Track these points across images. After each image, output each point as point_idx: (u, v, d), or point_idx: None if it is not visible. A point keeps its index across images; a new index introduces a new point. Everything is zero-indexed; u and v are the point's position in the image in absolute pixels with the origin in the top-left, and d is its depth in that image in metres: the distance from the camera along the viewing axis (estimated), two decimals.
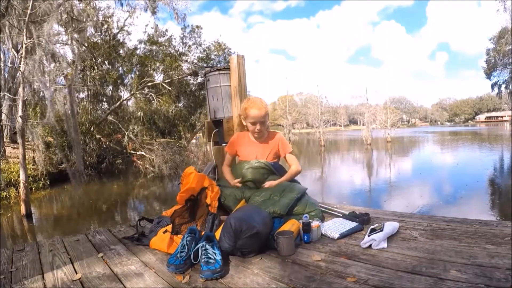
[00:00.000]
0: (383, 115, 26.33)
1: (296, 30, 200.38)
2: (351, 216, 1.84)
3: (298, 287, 1.13)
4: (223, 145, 2.67)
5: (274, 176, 2.09)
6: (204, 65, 12.99)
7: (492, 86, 27.63)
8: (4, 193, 7.89)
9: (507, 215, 5.21)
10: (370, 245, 1.43)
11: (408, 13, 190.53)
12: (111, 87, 13.30)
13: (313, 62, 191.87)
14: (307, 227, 1.56)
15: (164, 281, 1.25)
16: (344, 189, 8.49)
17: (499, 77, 26.56)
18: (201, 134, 16.27)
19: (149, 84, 12.59)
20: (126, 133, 12.00)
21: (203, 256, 1.31)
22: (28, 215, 6.44)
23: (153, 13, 12.37)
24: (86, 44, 11.50)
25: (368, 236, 1.47)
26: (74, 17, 9.20)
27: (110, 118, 12.44)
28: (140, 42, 13.54)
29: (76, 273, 1.37)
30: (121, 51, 13.11)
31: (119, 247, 1.69)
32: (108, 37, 12.71)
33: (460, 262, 1.18)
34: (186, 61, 13.85)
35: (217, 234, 1.51)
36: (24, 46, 6.90)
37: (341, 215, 1.93)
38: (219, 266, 1.26)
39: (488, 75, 26.93)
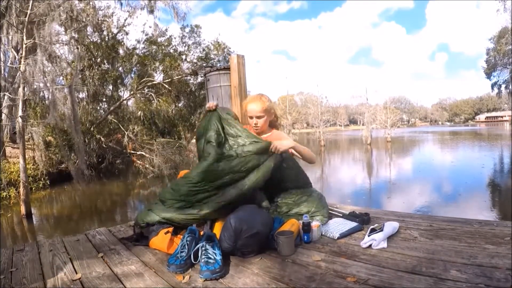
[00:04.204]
0: (383, 115, 26.34)
1: (298, 31, 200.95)
2: (351, 216, 1.84)
3: (298, 287, 1.13)
4: None
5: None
6: (204, 64, 12.97)
7: (492, 86, 27.61)
8: (4, 193, 7.88)
9: (507, 215, 5.21)
10: (370, 245, 1.43)
11: (408, 15, 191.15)
12: (111, 87, 13.30)
13: (313, 62, 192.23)
14: (307, 227, 1.56)
15: (164, 281, 1.25)
16: (344, 189, 8.50)
17: (499, 77, 26.55)
18: None
19: (149, 84, 12.59)
20: (126, 133, 12.00)
21: (203, 256, 1.31)
22: (28, 215, 6.44)
23: (151, 11, 12.37)
24: (85, 44, 11.50)
25: (368, 236, 1.47)
26: (74, 17, 9.20)
27: (110, 118, 12.44)
28: (139, 41, 13.55)
29: (76, 273, 1.37)
30: (120, 51, 13.10)
31: (119, 247, 1.69)
32: (107, 37, 12.71)
33: (460, 262, 1.18)
34: (186, 60, 13.84)
35: (218, 234, 1.51)
36: (24, 46, 6.90)
37: (341, 215, 1.93)
38: (218, 267, 1.26)
39: (488, 75, 26.92)
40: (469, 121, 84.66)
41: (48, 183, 9.35)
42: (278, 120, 2.25)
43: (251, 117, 2.07)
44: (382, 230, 1.50)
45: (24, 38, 6.88)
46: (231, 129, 1.88)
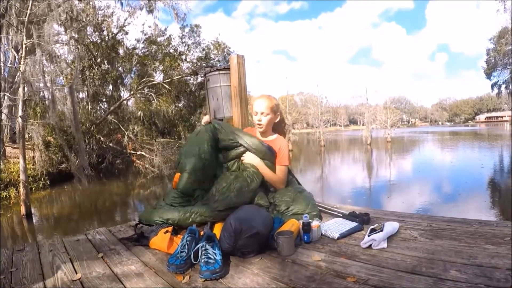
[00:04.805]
0: (383, 115, 26.34)
1: (298, 31, 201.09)
2: (351, 216, 1.84)
3: (298, 287, 1.13)
4: None
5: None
6: (204, 64, 12.97)
7: (492, 86, 27.61)
8: (4, 193, 7.88)
9: (507, 215, 5.21)
10: (370, 245, 1.42)
11: (408, 15, 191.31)
12: (111, 87, 13.30)
13: (313, 62, 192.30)
14: (307, 227, 1.56)
15: (164, 281, 1.25)
16: (344, 189, 8.50)
17: (499, 77, 26.54)
18: None
19: (149, 84, 12.59)
20: (126, 133, 12.00)
21: (203, 256, 1.31)
22: (28, 215, 6.44)
23: (150, 11, 12.37)
24: (85, 44, 11.50)
25: (368, 236, 1.47)
26: (74, 17, 9.20)
27: (110, 118, 12.44)
28: (138, 41, 13.54)
29: (76, 273, 1.37)
30: (120, 51, 13.10)
31: (119, 247, 1.69)
32: (107, 37, 12.70)
33: (460, 262, 1.18)
34: (186, 60, 13.83)
35: (218, 234, 1.51)
36: (23, 46, 6.90)
37: (341, 215, 1.93)
38: (218, 267, 1.26)
39: (488, 75, 26.91)
40: (469, 121, 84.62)
41: (48, 183, 9.35)
42: (285, 126, 2.23)
43: (256, 114, 2.07)
44: (382, 230, 1.49)
45: (24, 38, 6.88)
46: (227, 135, 2.04)
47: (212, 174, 1.99)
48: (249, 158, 1.98)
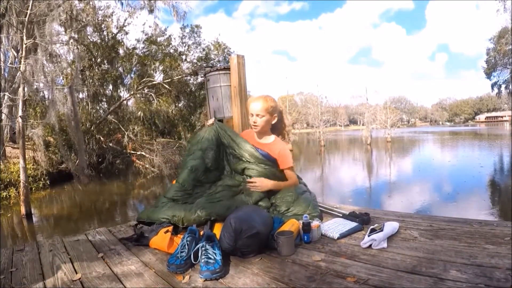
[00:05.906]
0: (383, 115, 26.34)
1: (299, 31, 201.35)
2: (351, 216, 1.84)
3: (298, 287, 1.13)
4: None
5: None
6: (204, 64, 12.96)
7: (492, 86, 27.65)
8: (4, 193, 7.88)
9: (507, 215, 5.21)
10: (370, 245, 1.43)
11: (408, 16, 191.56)
12: (111, 87, 13.29)
13: (313, 62, 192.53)
14: (307, 227, 1.56)
15: (164, 281, 1.25)
16: (345, 189, 8.49)
17: (499, 77, 26.60)
18: None
19: (149, 84, 12.58)
20: (126, 133, 11.99)
21: (203, 256, 1.31)
22: (28, 215, 6.44)
23: (151, 11, 12.34)
24: (85, 44, 11.49)
25: (368, 236, 1.47)
26: (74, 17, 9.20)
27: (110, 118, 12.43)
28: (139, 41, 13.53)
29: (76, 273, 1.37)
30: (120, 51, 13.08)
31: (119, 247, 1.69)
32: (107, 37, 12.69)
33: (460, 262, 1.19)
34: (186, 60, 13.82)
35: (218, 234, 1.51)
36: (24, 46, 6.90)
37: (341, 215, 1.93)
38: (218, 267, 1.26)
39: (488, 75, 26.95)
40: (469, 121, 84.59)
41: (48, 183, 9.34)
42: (286, 127, 2.21)
43: (252, 115, 2.07)
44: (382, 230, 1.50)
45: (24, 38, 6.87)
46: (228, 142, 2.11)
47: (213, 180, 2.02)
48: (267, 185, 1.96)
